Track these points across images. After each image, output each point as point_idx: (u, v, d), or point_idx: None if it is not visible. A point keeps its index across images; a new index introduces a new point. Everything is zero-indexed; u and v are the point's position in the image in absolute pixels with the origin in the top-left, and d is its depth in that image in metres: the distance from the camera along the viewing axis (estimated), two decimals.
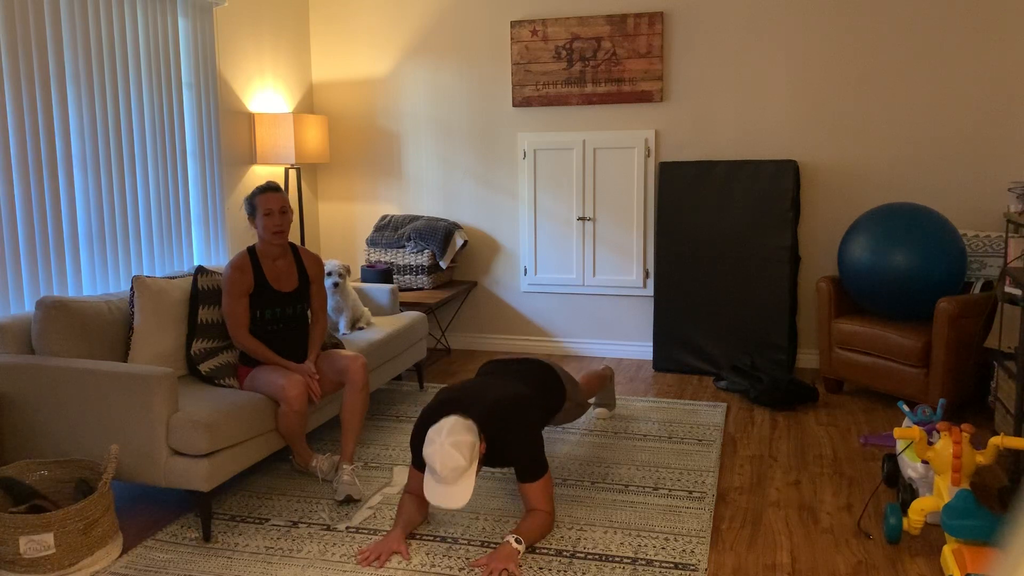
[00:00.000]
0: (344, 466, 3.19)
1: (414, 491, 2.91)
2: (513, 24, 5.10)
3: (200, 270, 3.44)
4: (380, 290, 4.49)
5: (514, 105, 5.16)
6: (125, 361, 3.20)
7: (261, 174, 4.96)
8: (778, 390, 4.17)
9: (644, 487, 3.22)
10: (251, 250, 3.29)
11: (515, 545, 2.65)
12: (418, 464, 2.86)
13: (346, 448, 3.24)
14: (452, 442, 2.59)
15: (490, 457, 2.83)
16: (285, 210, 3.25)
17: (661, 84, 4.90)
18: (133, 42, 3.89)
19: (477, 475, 2.83)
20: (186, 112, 4.30)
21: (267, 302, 3.27)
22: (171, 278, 3.44)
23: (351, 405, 3.25)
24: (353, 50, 5.46)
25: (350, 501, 3.13)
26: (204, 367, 3.29)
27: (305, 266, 3.41)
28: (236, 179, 4.73)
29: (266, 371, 3.17)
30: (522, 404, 2.86)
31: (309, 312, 3.46)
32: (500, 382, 2.98)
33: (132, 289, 3.24)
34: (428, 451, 2.62)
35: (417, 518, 2.89)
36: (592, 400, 4.02)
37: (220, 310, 3.44)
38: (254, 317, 3.26)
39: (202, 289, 3.41)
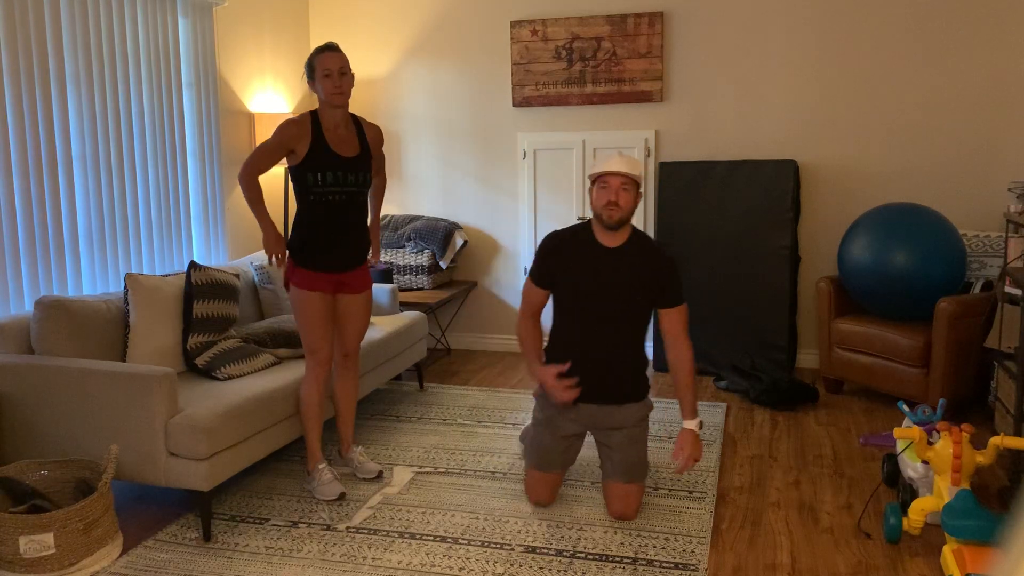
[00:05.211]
0: (356, 448, 3.43)
1: (530, 312, 3.10)
2: (513, 24, 5.10)
3: (193, 265, 3.46)
4: (380, 290, 4.49)
5: (514, 105, 5.16)
6: (124, 360, 3.21)
7: None
8: (778, 390, 4.16)
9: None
10: (313, 113, 3.14)
11: (698, 431, 2.99)
12: (537, 278, 3.07)
13: (346, 433, 3.45)
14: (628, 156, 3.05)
15: (635, 251, 3.03)
16: (344, 71, 3.08)
17: (661, 84, 4.90)
18: (133, 42, 3.89)
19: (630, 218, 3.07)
20: (186, 112, 4.30)
21: (327, 164, 3.08)
22: (164, 276, 3.46)
23: (343, 389, 3.41)
24: (353, 50, 5.46)
25: (380, 478, 3.36)
26: (200, 360, 3.32)
27: (366, 134, 3.24)
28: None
29: (311, 304, 3.12)
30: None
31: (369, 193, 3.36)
32: None
33: (125, 287, 3.25)
34: (606, 155, 3.13)
35: (539, 339, 3.11)
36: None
37: (215, 305, 3.47)
38: (315, 181, 3.07)
39: (196, 284, 3.42)
